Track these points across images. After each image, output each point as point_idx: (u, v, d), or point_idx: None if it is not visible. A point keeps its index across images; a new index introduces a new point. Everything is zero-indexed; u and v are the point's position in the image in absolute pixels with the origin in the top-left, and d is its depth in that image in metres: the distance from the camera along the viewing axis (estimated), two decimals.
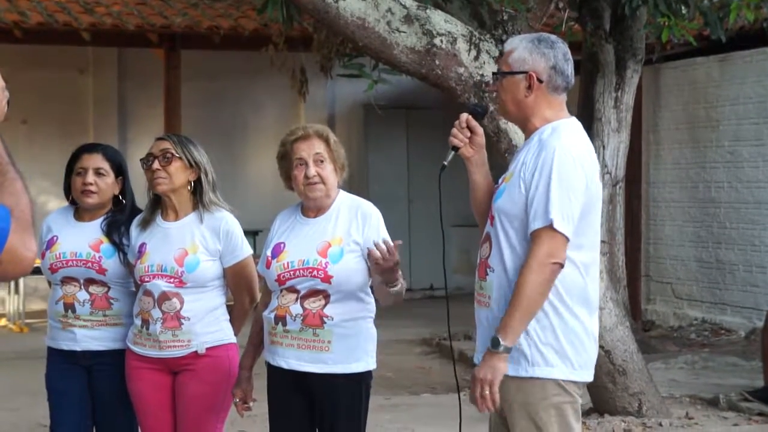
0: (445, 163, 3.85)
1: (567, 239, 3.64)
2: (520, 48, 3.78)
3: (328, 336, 4.15)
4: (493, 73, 3.82)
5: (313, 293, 4.16)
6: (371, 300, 4.27)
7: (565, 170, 3.64)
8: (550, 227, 3.61)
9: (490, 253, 3.77)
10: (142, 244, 4.52)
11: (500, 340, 3.59)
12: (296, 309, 4.17)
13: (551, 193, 3.62)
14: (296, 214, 4.32)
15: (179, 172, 4.48)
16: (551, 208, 3.61)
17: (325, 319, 4.15)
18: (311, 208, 4.28)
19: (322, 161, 4.21)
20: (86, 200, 4.65)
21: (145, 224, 4.57)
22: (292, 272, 4.19)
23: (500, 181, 3.86)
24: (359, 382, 4.23)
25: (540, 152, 3.69)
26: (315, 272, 4.15)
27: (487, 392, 3.62)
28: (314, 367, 4.17)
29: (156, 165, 4.48)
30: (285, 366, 4.21)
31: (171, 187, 4.48)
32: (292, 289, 4.19)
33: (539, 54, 3.77)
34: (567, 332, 3.72)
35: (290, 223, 4.32)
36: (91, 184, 4.62)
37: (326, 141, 4.23)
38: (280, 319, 4.20)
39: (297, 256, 4.20)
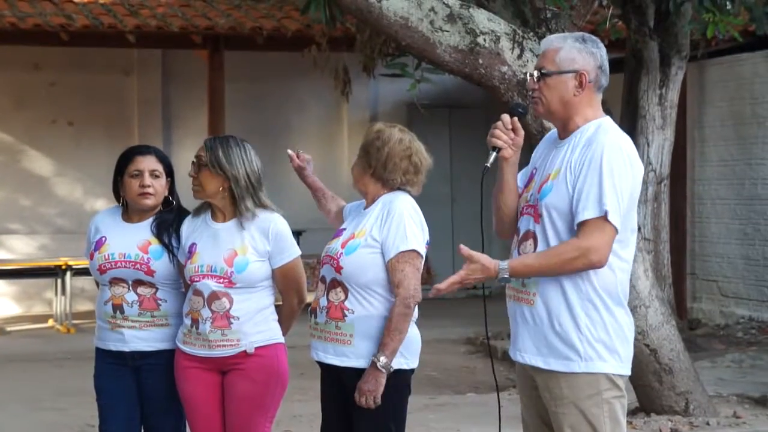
0: (488, 165, 3.84)
1: (616, 232, 3.64)
2: (568, 47, 3.76)
3: (349, 329, 4.23)
4: (542, 72, 3.78)
5: (334, 284, 4.27)
6: None
7: (617, 165, 3.65)
8: (602, 218, 3.61)
9: (535, 249, 3.77)
10: (193, 245, 4.54)
11: (504, 270, 3.67)
12: (323, 301, 4.32)
13: (604, 184, 3.61)
14: (362, 205, 4.49)
15: (208, 180, 4.48)
16: (605, 200, 3.61)
17: (346, 312, 4.24)
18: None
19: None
20: (144, 202, 4.65)
21: (195, 225, 4.59)
22: (324, 258, 4.37)
23: (536, 178, 3.85)
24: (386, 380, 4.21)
25: (589, 147, 3.69)
26: (331, 261, 4.30)
27: None
28: (337, 360, 4.27)
29: (191, 171, 4.52)
30: (316, 358, 4.37)
31: (204, 195, 4.52)
32: (323, 279, 4.34)
33: (588, 53, 3.76)
34: (616, 327, 3.75)
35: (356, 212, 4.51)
36: (149, 186, 4.63)
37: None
38: (313, 312, 4.37)
39: (331, 244, 4.37)
